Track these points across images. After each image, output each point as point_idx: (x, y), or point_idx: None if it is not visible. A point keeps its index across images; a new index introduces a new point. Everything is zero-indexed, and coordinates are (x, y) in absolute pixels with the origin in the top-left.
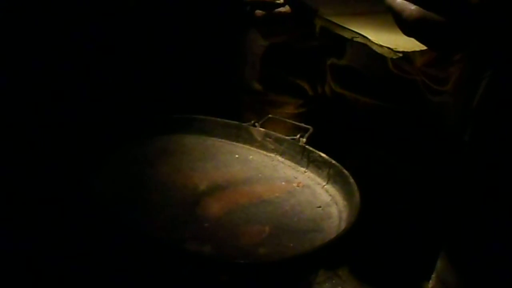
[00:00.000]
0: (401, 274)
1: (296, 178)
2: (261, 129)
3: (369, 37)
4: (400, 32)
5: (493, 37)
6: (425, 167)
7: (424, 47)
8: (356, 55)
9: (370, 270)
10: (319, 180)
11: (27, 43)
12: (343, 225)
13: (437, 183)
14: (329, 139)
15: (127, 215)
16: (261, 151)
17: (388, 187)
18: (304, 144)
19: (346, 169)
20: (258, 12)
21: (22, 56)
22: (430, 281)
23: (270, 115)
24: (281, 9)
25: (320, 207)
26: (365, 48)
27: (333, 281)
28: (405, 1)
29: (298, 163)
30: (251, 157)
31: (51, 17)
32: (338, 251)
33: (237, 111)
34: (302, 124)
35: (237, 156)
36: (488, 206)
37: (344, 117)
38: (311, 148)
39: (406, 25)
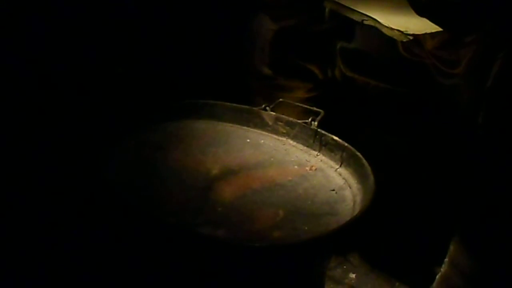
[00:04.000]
0: (413, 259)
1: (308, 161)
2: (272, 113)
3: (379, 20)
4: (411, 14)
5: (507, 17)
6: (437, 151)
7: (435, 29)
8: (366, 38)
9: (381, 255)
10: (332, 163)
11: (41, 35)
12: (357, 208)
13: (450, 167)
14: (340, 123)
15: (140, 201)
16: (273, 135)
17: (399, 171)
18: (316, 128)
19: (359, 152)
20: None
21: (36, 46)
22: (443, 266)
23: (281, 99)
24: None
25: (333, 190)
26: (375, 31)
27: (344, 267)
28: None
29: (310, 146)
30: (262, 141)
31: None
32: (350, 236)
33: (247, 96)
34: (313, 108)
35: (248, 140)
36: (502, 189)
37: (355, 101)
38: (323, 132)
39: (419, 4)
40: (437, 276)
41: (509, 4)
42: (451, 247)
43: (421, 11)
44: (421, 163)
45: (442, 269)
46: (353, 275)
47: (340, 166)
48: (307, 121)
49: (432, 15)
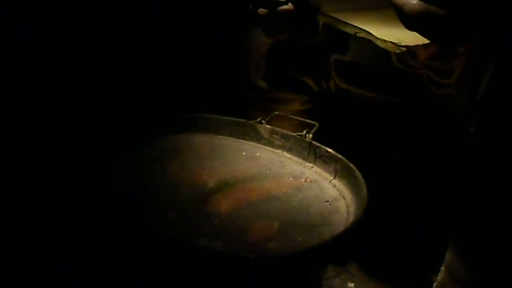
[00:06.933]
0: (410, 268)
1: (303, 173)
2: (267, 126)
3: (372, 32)
4: (403, 27)
5: (495, 30)
6: (432, 160)
7: (427, 41)
8: (359, 51)
9: (379, 264)
10: (326, 175)
11: (35, 43)
12: (351, 219)
13: (444, 176)
14: (335, 135)
15: (137, 214)
16: (268, 148)
17: (394, 181)
18: (310, 140)
19: (353, 164)
20: (261, 10)
21: (32, 56)
22: (439, 274)
23: (276, 112)
24: (284, 7)
25: (328, 201)
26: (368, 43)
27: (343, 277)
28: None
29: (305, 158)
30: (258, 154)
31: (59, 16)
32: (347, 246)
33: (243, 109)
34: (308, 120)
35: (244, 153)
36: (496, 197)
37: (350, 112)
38: (317, 144)
39: (408, 19)
40: (434, 284)
41: (496, 17)
42: (447, 255)
43: (410, 26)
44: (416, 172)
45: (438, 277)
46: (351, 284)
47: (334, 177)
48: (301, 133)
49: (420, 29)
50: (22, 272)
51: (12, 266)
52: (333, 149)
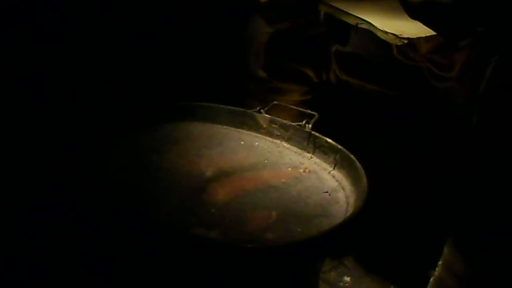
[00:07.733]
0: (407, 262)
1: (302, 164)
2: (266, 115)
3: (374, 23)
4: (405, 18)
5: (499, 21)
6: (431, 153)
7: (429, 33)
8: (360, 42)
9: (376, 258)
10: (325, 165)
11: (36, 36)
12: (350, 210)
13: (443, 170)
14: (334, 126)
15: (134, 202)
16: (267, 138)
17: (393, 174)
18: (310, 130)
19: (353, 155)
20: None
21: (30, 50)
22: (437, 269)
23: (275, 102)
24: None
25: (327, 192)
26: (370, 35)
27: (339, 270)
28: None
29: (304, 149)
30: (256, 143)
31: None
32: (344, 239)
33: (242, 99)
34: (308, 111)
35: (242, 142)
36: (495, 192)
37: (349, 104)
38: (317, 134)
39: (412, 8)
40: (431, 279)
41: (501, 10)
42: (445, 250)
43: (414, 14)
44: (416, 165)
45: (436, 272)
46: (347, 278)
47: (334, 168)
48: (301, 123)
49: (424, 18)
50: (20, 263)
51: (10, 259)
52: (332, 140)
